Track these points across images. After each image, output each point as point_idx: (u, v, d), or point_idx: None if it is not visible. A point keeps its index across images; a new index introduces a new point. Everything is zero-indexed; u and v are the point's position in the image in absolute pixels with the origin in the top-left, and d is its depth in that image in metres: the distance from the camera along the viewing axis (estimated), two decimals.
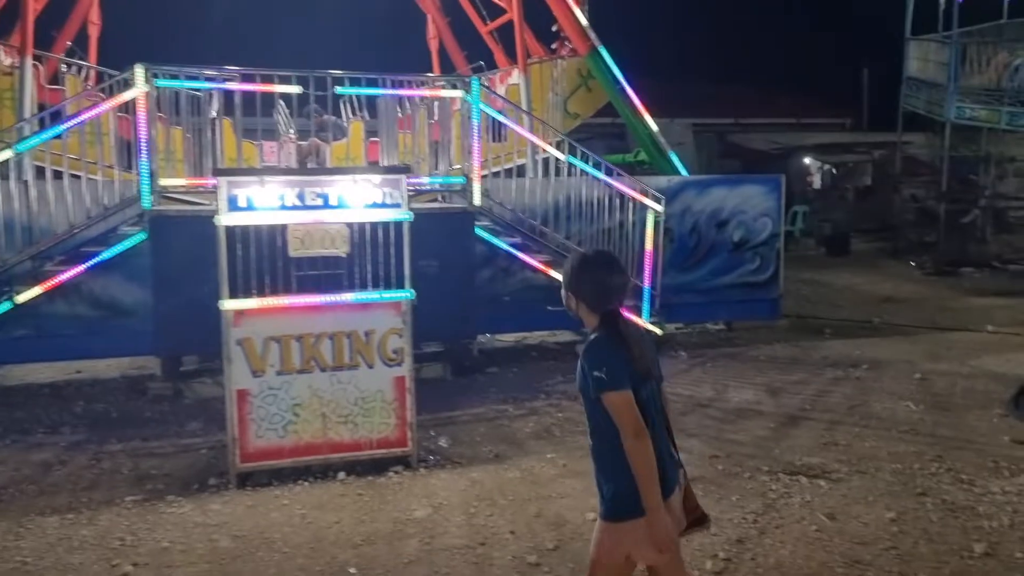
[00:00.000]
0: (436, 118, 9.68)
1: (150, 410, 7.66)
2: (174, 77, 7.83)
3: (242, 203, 5.49)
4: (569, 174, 9.29)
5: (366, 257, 5.74)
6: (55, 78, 11.31)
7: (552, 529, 5.01)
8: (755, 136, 20.12)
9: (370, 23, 19.46)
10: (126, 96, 7.66)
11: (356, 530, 5.03)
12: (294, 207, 5.58)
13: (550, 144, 8.99)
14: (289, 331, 5.66)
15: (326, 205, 5.63)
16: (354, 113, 11.89)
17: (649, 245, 9.23)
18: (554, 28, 12.80)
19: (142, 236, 7.92)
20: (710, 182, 10.28)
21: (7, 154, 7.61)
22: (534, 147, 9.94)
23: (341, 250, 5.68)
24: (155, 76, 7.64)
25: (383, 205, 5.73)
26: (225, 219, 5.47)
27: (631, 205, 9.39)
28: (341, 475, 5.82)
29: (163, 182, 7.85)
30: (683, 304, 9.97)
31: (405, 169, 5.93)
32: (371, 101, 11.38)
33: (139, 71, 7.51)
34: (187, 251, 7.86)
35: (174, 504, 5.44)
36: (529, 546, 4.80)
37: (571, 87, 11.95)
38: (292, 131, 10.99)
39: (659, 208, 9.19)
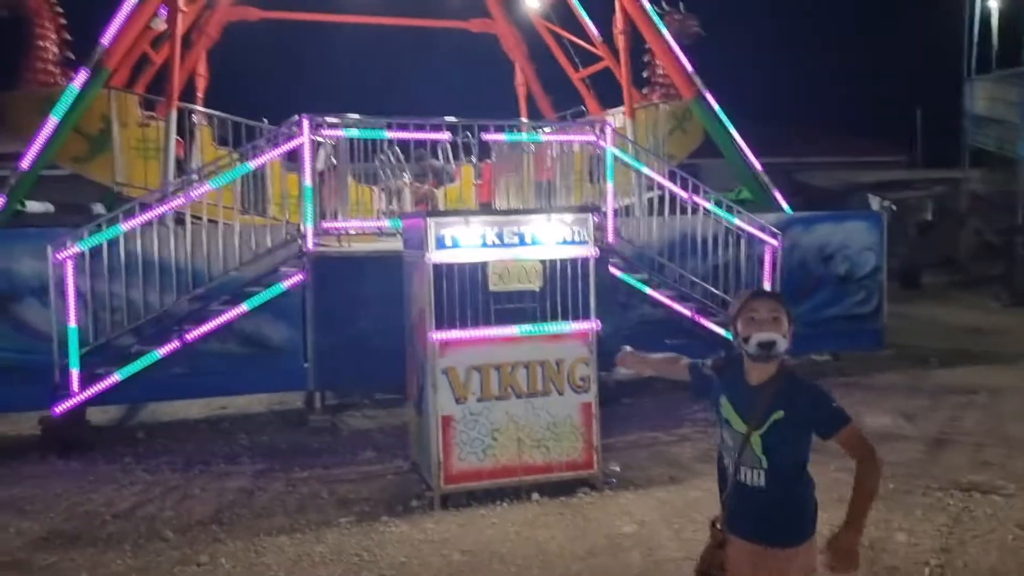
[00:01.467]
0: (553, 161, 10.20)
1: (315, 441, 8.07)
2: (332, 126, 8.39)
3: (448, 242, 5.96)
4: (683, 212, 9.72)
5: (556, 290, 6.16)
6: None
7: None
8: (818, 174, 20.57)
9: (458, 68, 20.28)
10: (292, 145, 8.22)
11: (575, 544, 5.39)
12: (494, 245, 6.04)
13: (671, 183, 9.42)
14: (489, 360, 6.08)
15: (522, 243, 6.09)
16: (456, 158, 12.44)
17: (767, 278, 9.60)
18: (644, 74, 13.39)
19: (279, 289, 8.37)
20: (816, 218, 10.67)
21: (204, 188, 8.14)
22: (640, 186, 10.41)
23: (535, 284, 6.12)
24: (318, 126, 8.21)
25: (572, 242, 6.17)
26: (433, 257, 5.93)
27: (743, 241, 9.80)
28: (535, 496, 6.18)
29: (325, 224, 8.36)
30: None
31: (594, 209, 6.39)
32: (482, 145, 11.97)
33: (305, 121, 8.09)
34: (345, 290, 8.37)
35: (389, 524, 5.83)
36: None
37: (668, 130, 12.47)
38: (407, 175, 11.59)
39: (775, 243, 9.58)
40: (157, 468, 7.22)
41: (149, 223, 8.19)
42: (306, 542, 5.57)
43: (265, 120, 10.94)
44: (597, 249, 6.19)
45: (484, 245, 6.02)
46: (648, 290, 9.22)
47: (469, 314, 6.04)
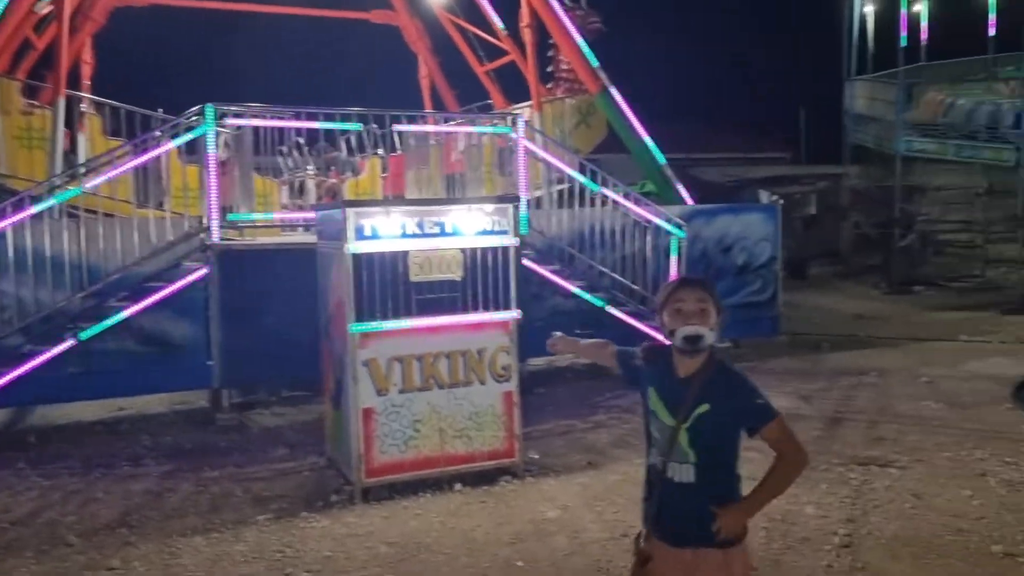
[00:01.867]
0: (460, 152, 10.22)
1: (224, 440, 7.81)
2: (238, 116, 8.12)
3: (368, 232, 5.87)
4: (592, 204, 9.90)
5: (478, 280, 6.17)
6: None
7: None
8: (709, 170, 21.32)
9: (359, 60, 19.93)
10: (194, 135, 7.91)
11: (501, 531, 5.43)
12: (415, 235, 5.99)
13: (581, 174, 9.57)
14: (411, 351, 6.03)
15: (443, 233, 6.07)
16: (362, 150, 12.26)
17: (674, 269, 9.90)
18: (549, 69, 13.55)
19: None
20: (716, 211, 11.07)
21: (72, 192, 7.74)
22: (549, 180, 10.54)
23: (456, 274, 6.11)
24: (223, 115, 7.93)
25: (493, 232, 6.20)
26: (352, 247, 5.83)
27: (649, 232, 10.06)
28: (458, 486, 6.18)
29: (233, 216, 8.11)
30: None
31: (515, 199, 6.43)
32: (387, 138, 11.84)
33: (210, 110, 7.80)
34: (252, 284, 8.14)
35: (310, 520, 5.71)
36: None
37: (573, 124, 12.66)
38: (311, 168, 11.35)
39: (681, 234, 9.89)
40: (55, 472, 6.82)
41: (39, 216, 7.72)
42: (224, 541, 5.39)
43: (160, 111, 10.49)
44: (518, 239, 6.23)
45: (405, 235, 5.97)
46: (562, 281, 9.34)
47: (390, 305, 5.98)
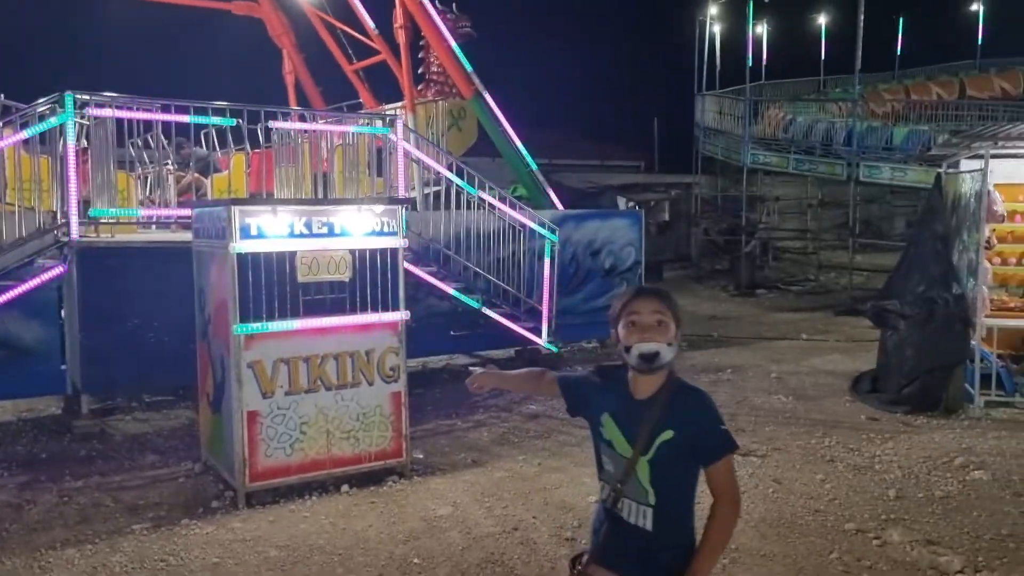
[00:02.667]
0: (327, 152, 10.07)
1: (84, 448, 7.35)
2: (100, 105, 7.67)
3: (253, 231, 5.74)
4: (468, 207, 10.04)
5: (366, 281, 6.16)
6: None
7: (566, 511, 5.73)
8: (569, 176, 21.96)
9: (221, 53, 19.06)
10: (50, 125, 7.40)
11: (394, 529, 5.45)
12: (302, 235, 5.91)
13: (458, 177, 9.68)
14: (297, 353, 5.94)
15: (331, 233, 6.01)
16: (224, 146, 11.82)
17: (547, 271, 10.20)
18: (420, 71, 13.57)
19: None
20: (586, 215, 11.48)
21: None
22: (424, 182, 10.58)
23: (344, 275, 6.07)
24: (83, 104, 7.48)
25: (382, 233, 6.20)
26: (237, 246, 5.68)
27: (523, 235, 10.32)
28: (345, 488, 6.14)
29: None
30: (564, 325, 10.99)
31: (406, 201, 6.45)
32: (252, 134, 11.48)
33: (69, 99, 7.33)
34: (114, 284, 7.72)
35: (192, 526, 5.51)
36: (556, 525, 5.50)
37: (445, 127, 12.74)
38: (171, 163, 10.84)
39: (554, 238, 10.20)
40: None
41: None
42: (99, 552, 5.12)
43: (1, 95, 9.71)
44: (407, 240, 6.26)
45: (292, 235, 5.87)
46: (439, 283, 9.41)
47: (276, 305, 5.86)
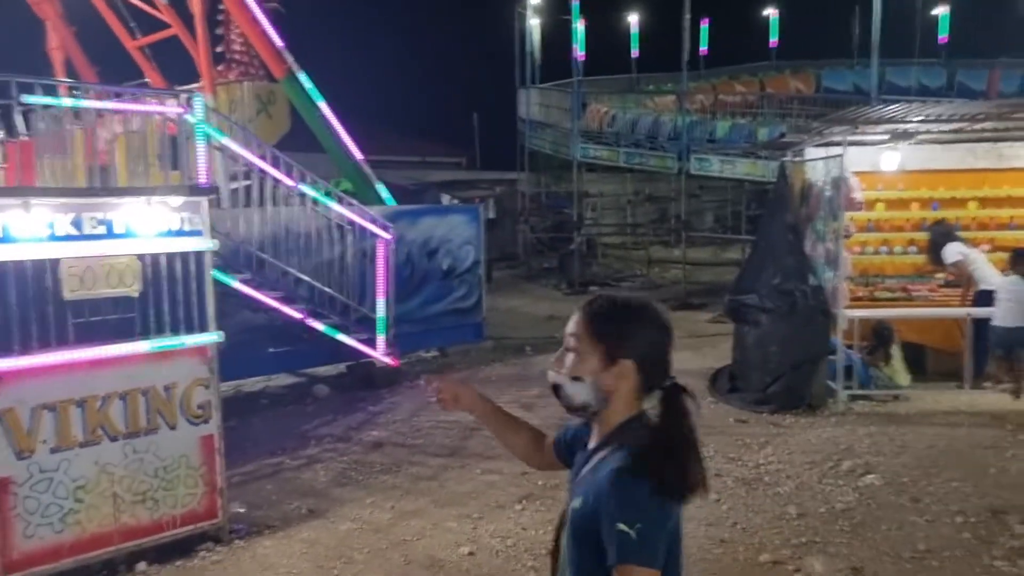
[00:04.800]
0: (108, 138, 8.34)
1: None
2: None
3: None
4: (286, 204, 8.64)
5: (163, 295, 4.73)
6: None
7: (434, 572, 4.64)
8: (388, 172, 20.70)
9: None
10: None
11: None
12: (68, 237, 4.39)
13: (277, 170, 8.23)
14: (67, 395, 4.42)
15: (111, 234, 4.53)
16: None
17: (381, 274, 8.98)
18: (219, 49, 11.85)
19: None
20: (420, 212, 10.37)
21: None
22: (231, 174, 9.03)
23: (132, 289, 4.61)
24: None
25: (182, 233, 4.79)
26: None
27: (351, 235, 9.06)
28: (141, 567, 4.69)
29: None
30: (400, 334, 9.82)
31: (212, 190, 5.02)
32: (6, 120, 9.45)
33: None
34: None
35: None
36: None
37: (253, 112, 11.14)
38: None
39: (387, 236, 9.01)
40: None
41: None
42: None
43: None
44: (215, 242, 4.88)
45: (54, 238, 4.34)
46: (255, 293, 7.95)
47: (35, 332, 4.32)
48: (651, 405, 1.81)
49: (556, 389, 1.86)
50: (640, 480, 1.68)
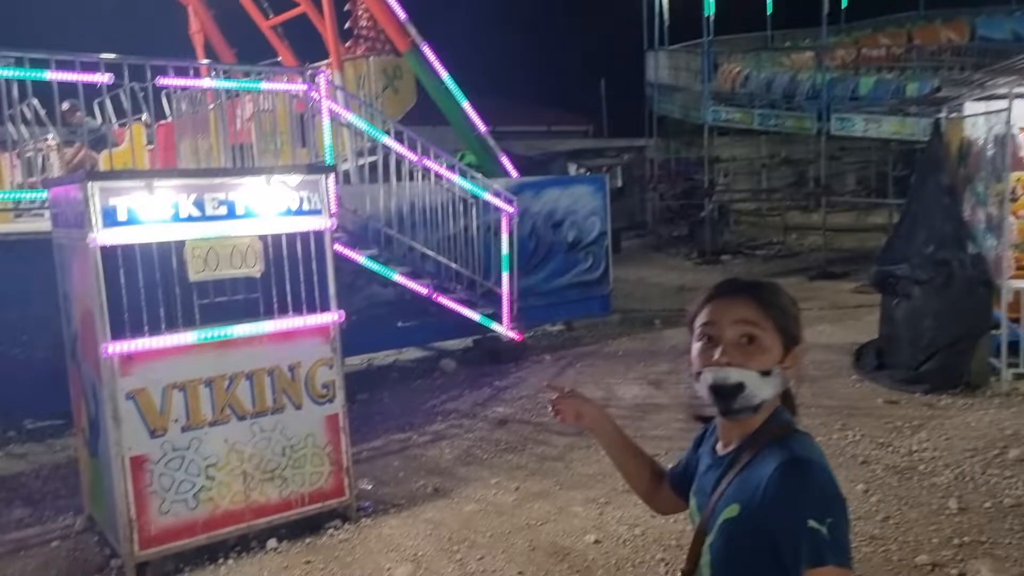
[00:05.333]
0: (246, 117, 8.56)
1: None
2: None
3: (122, 216, 4.25)
4: (411, 179, 8.62)
5: (284, 275, 4.73)
6: None
7: (559, 560, 4.44)
8: (517, 143, 20.57)
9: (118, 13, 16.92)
10: None
11: None
12: (192, 219, 4.43)
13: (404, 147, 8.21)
14: (196, 375, 4.49)
15: (232, 215, 4.55)
16: (122, 116, 10.13)
17: (505, 249, 8.84)
18: (347, 25, 11.97)
19: None
20: (544, 183, 10.15)
21: None
22: (358, 151, 9.09)
23: (254, 269, 4.62)
24: None
25: (301, 212, 4.76)
26: (101, 237, 4.19)
27: (475, 208, 8.95)
28: (272, 543, 4.75)
29: None
30: (526, 308, 9.68)
31: (328, 168, 4.98)
32: (156, 103, 9.89)
33: None
34: None
35: None
36: None
37: (380, 88, 11.22)
38: (52, 136, 9.18)
39: (511, 210, 8.85)
40: None
41: None
42: None
43: None
44: (335, 220, 4.84)
45: (178, 219, 4.39)
46: (396, 276, 8.01)
47: (163, 314, 4.40)
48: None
49: (735, 390, 1.61)
50: (819, 470, 1.53)
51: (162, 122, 9.79)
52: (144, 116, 9.82)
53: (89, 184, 4.17)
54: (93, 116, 10.15)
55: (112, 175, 4.69)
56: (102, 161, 9.32)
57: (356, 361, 9.07)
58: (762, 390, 1.61)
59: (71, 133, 10.02)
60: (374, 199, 8.38)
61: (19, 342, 6.50)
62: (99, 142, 9.75)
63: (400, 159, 8.26)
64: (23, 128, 9.38)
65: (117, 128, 10.13)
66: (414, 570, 4.39)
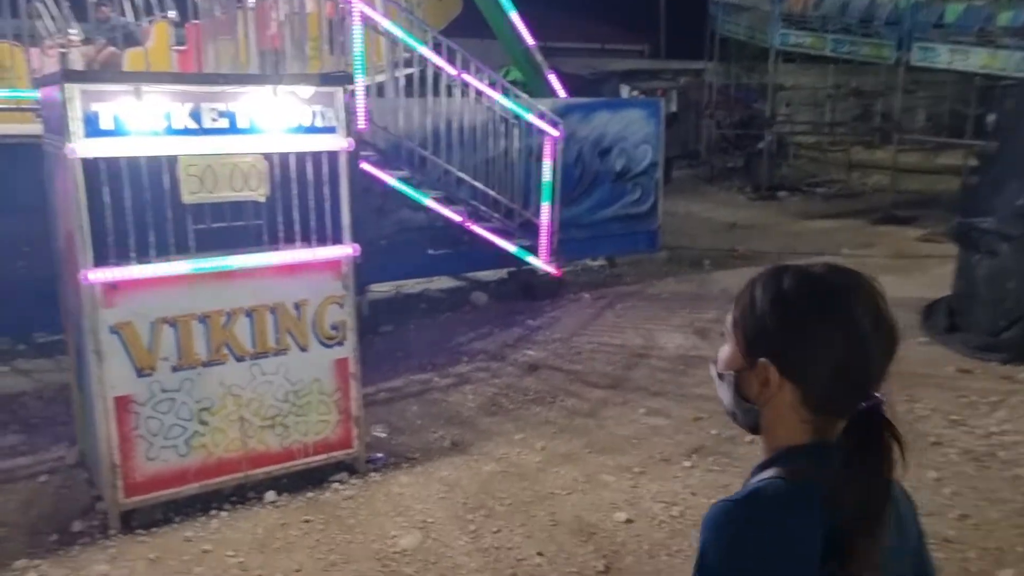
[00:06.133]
0: (280, 21, 7.87)
1: None
2: None
3: (107, 124, 3.68)
4: (449, 94, 7.91)
5: (292, 200, 4.16)
6: None
7: (584, 541, 3.94)
8: (569, 61, 19.51)
9: None
10: None
11: None
12: (187, 131, 3.86)
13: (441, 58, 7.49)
14: (189, 309, 4.00)
15: (233, 129, 3.96)
16: (149, 13, 9.51)
17: (547, 176, 8.17)
18: None
19: None
20: (594, 105, 9.35)
21: None
22: (394, 62, 8.37)
23: (257, 192, 4.06)
24: None
25: (313, 129, 4.15)
26: (82, 148, 3.64)
27: (517, 130, 8.24)
28: (270, 495, 4.33)
29: None
30: (566, 240, 9.02)
31: (345, 78, 4.34)
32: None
33: None
34: None
35: (31, 570, 3.70)
36: (573, 572, 3.71)
37: None
38: (74, 32, 8.62)
39: (556, 133, 8.13)
40: None
41: None
42: None
43: None
44: (351, 139, 4.22)
45: (171, 131, 3.82)
46: (428, 200, 7.43)
47: (152, 239, 3.88)
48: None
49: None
50: (734, 519, 1.18)
51: (196, 22, 9.15)
52: (172, 13, 9.21)
53: (68, 86, 3.59)
54: (122, 12, 9.57)
55: (95, 76, 4.11)
56: (127, 61, 8.77)
57: (384, 288, 8.58)
58: (722, 393, 1.34)
59: (97, 30, 9.46)
60: (408, 116, 7.72)
61: (24, 254, 6.09)
62: (128, 40, 9.19)
63: (438, 73, 7.55)
64: (48, 22, 8.86)
65: (147, 26, 9.54)
66: (421, 540, 3.93)
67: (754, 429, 1.29)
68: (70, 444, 4.94)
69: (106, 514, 4.05)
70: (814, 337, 1.19)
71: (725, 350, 1.31)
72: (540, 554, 3.83)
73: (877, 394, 1.18)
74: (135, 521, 4.06)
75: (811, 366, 1.19)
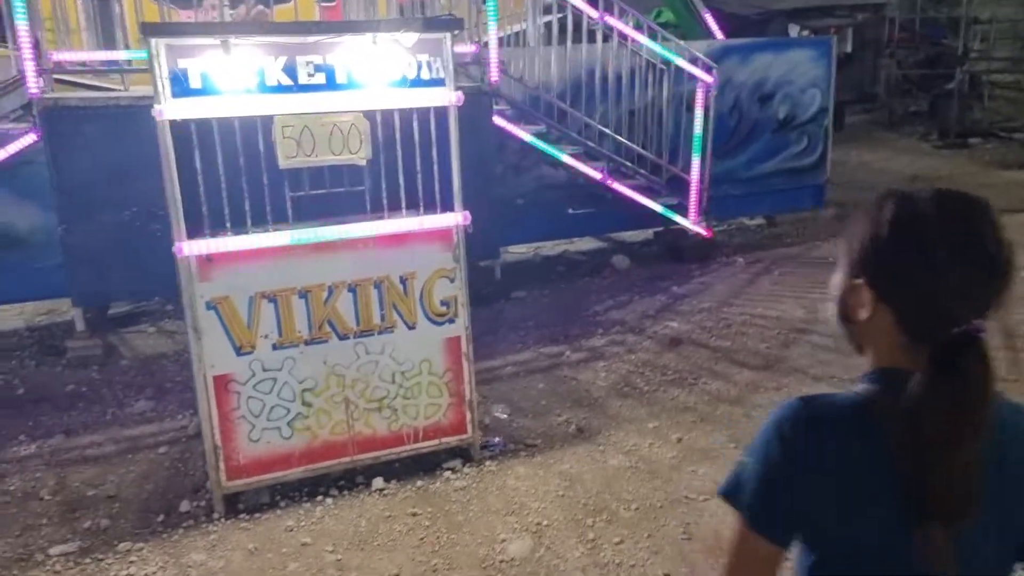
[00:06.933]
0: None
1: (73, 380, 5.60)
2: None
3: (195, 82, 3.39)
4: (591, 41, 7.25)
5: (397, 164, 3.76)
6: None
7: (716, 560, 3.37)
8: (730, 0, 18.09)
9: None
10: None
11: None
12: (281, 88, 3.51)
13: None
14: (289, 283, 3.70)
15: (331, 84, 3.58)
16: None
17: (698, 127, 7.39)
18: None
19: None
20: (754, 47, 8.37)
21: None
22: (536, 9, 7.78)
23: (359, 155, 3.67)
24: None
25: (420, 82, 3.70)
26: (169, 109, 3.37)
27: (666, 77, 7.47)
28: (378, 483, 4.03)
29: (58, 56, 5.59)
30: (719, 197, 8.21)
31: (454, 24, 3.86)
32: None
33: None
34: (100, 157, 5.69)
35: (132, 555, 3.58)
36: None
37: None
38: None
39: (709, 79, 7.31)
40: None
41: None
42: None
43: None
44: (460, 93, 3.73)
45: (264, 88, 3.48)
46: (565, 157, 6.92)
47: (248, 208, 3.60)
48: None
49: None
50: (773, 420, 1.25)
51: None
52: None
53: (153, 41, 3.31)
54: None
55: (179, 28, 3.83)
56: (275, 19, 8.68)
57: (521, 250, 8.16)
58: (829, 314, 1.34)
59: None
60: (546, 65, 7.15)
61: (159, 217, 6.09)
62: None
63: (578, 16, 6.91)
64: None
65: None
66: (532, 548, 3.49)
67: (859, 349, 1.31)
68: (193, 412, 4.86)
69: (211, 495, 3.89)
70: (904, 262, 1.19)
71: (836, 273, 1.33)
72: (667, 575, 3.30)
73: (977, 322, 1.13)
74: (241, 504, 3.88)
75: (902, 289, 1.20)
